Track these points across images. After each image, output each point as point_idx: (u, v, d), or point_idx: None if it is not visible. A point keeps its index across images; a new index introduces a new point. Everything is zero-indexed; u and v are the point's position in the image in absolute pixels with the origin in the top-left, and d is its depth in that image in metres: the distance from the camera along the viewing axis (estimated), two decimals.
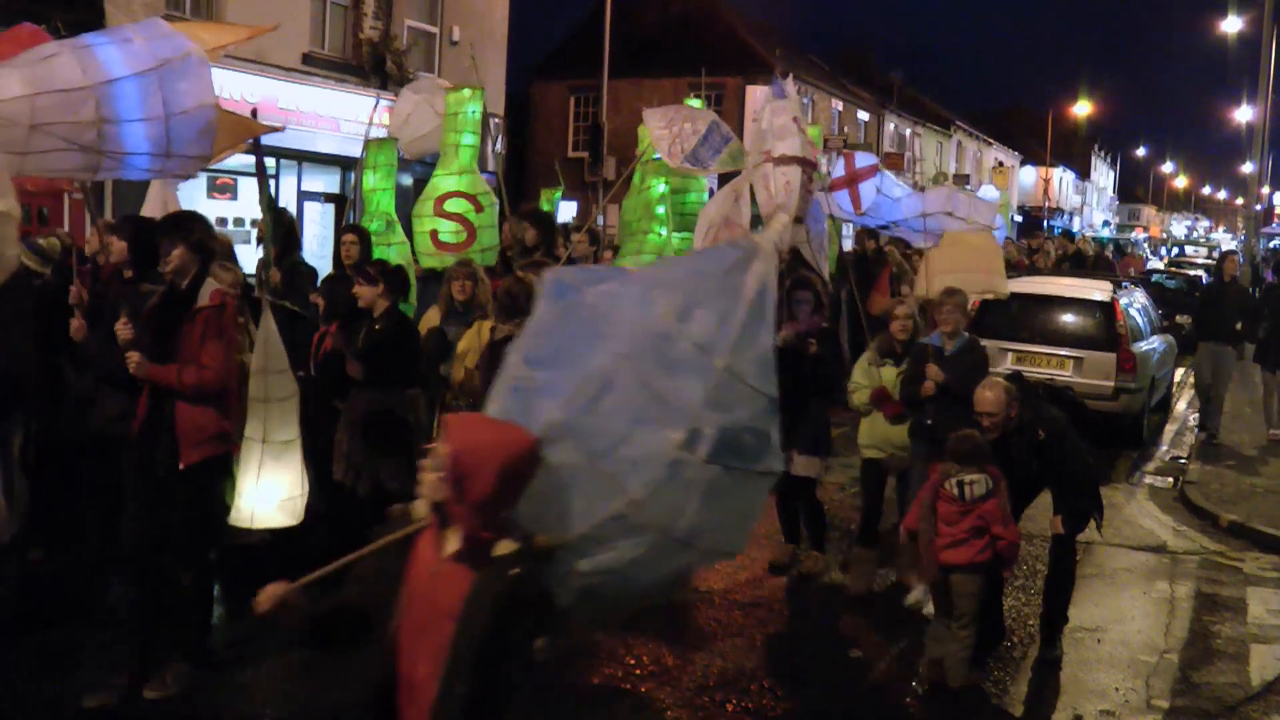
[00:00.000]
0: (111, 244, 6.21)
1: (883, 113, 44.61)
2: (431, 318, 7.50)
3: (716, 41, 33.90)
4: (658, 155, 9.43)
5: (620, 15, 27.61)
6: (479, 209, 8.60)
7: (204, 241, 5.51)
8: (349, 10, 19.38)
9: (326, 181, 19.56)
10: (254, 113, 9.58)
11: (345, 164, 19.03)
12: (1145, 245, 60.66)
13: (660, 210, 9.41)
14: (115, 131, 5.38)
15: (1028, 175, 63.53)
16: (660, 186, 9.49)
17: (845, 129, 39.47)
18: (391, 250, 8.59)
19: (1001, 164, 57.49)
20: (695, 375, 3.25)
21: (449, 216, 8.56)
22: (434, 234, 8.53)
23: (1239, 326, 12.49)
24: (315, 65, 18.44)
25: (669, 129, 8.46)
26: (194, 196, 15.97)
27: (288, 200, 18.04)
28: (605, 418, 3.24)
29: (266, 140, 6.52)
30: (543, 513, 3.17)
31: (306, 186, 18.95)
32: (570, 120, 35.67)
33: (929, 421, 6.89)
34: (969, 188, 44.62)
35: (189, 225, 5.51)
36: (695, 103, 11.48)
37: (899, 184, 10.98)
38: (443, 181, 8.67)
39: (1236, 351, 12.59)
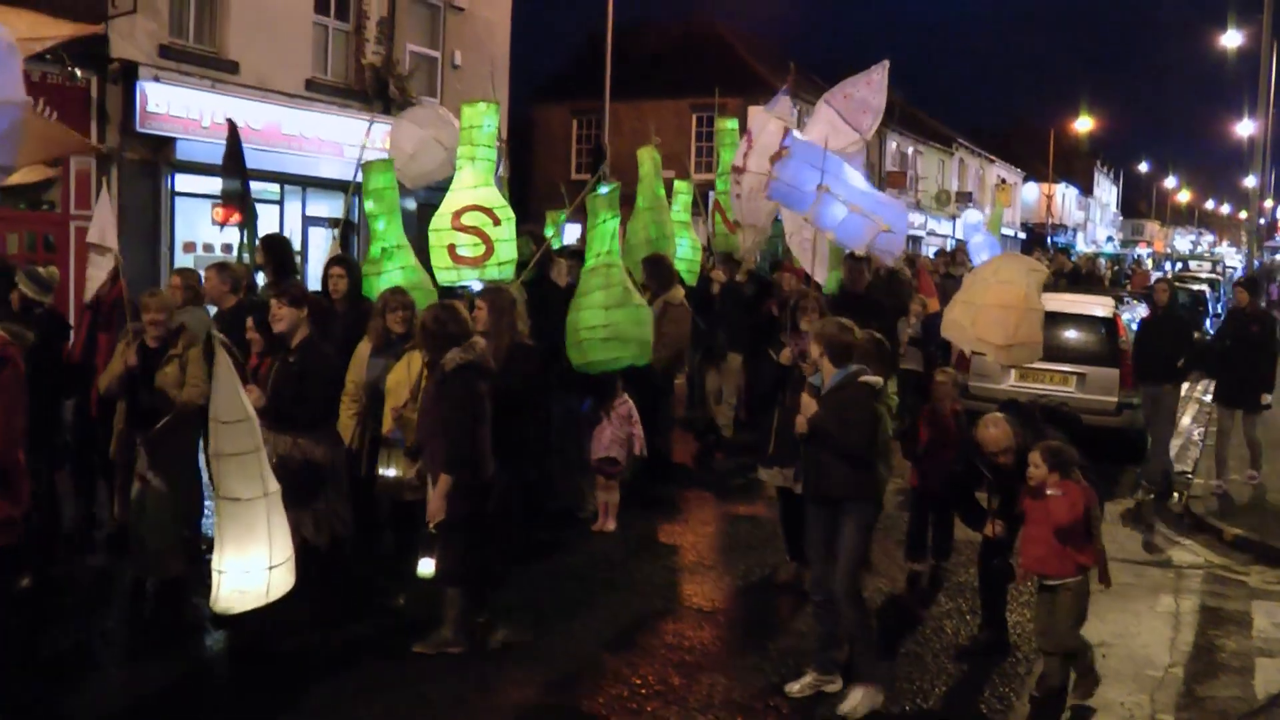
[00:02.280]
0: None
1: (884, 131, 44.68)
2: (363, 350, 7.23)
3: (718, 63, 34.03)
4: (603, 190, 9.03)
5: (621, 37, 27.76)
6: (496, 222, 8.40)
7: None
8: (351, 36, 19.53)
9: (331, 206, 19.62)
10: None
11: (349, 189, 19.14)
12: (1149, 260, 60.63)
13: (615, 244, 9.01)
14: None
15: (1030, 192, 63.65)
16: (611, 221, 8.86)
17: None
18: (383, 279, 8.35)
19: (1004, 181, 57.59)
20: None
21: (466, 230, 8.34)
22: (451, 248, 8.35)
23: (1180, 364, 11.17)
24: (318, 91, 18.57)
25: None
26: (197, 222, 16.08)
27: (292, 226, 18.12)
28: None
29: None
30: None
31: (311, 211, 19.03)
32: (573, 143, 35.91)
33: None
34: (971, 205, 44.78)
35: None
36: (729, 123, 11.53)
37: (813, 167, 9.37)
38: (460, 195, 8.51)
39: (1176, 390, 11.50)
